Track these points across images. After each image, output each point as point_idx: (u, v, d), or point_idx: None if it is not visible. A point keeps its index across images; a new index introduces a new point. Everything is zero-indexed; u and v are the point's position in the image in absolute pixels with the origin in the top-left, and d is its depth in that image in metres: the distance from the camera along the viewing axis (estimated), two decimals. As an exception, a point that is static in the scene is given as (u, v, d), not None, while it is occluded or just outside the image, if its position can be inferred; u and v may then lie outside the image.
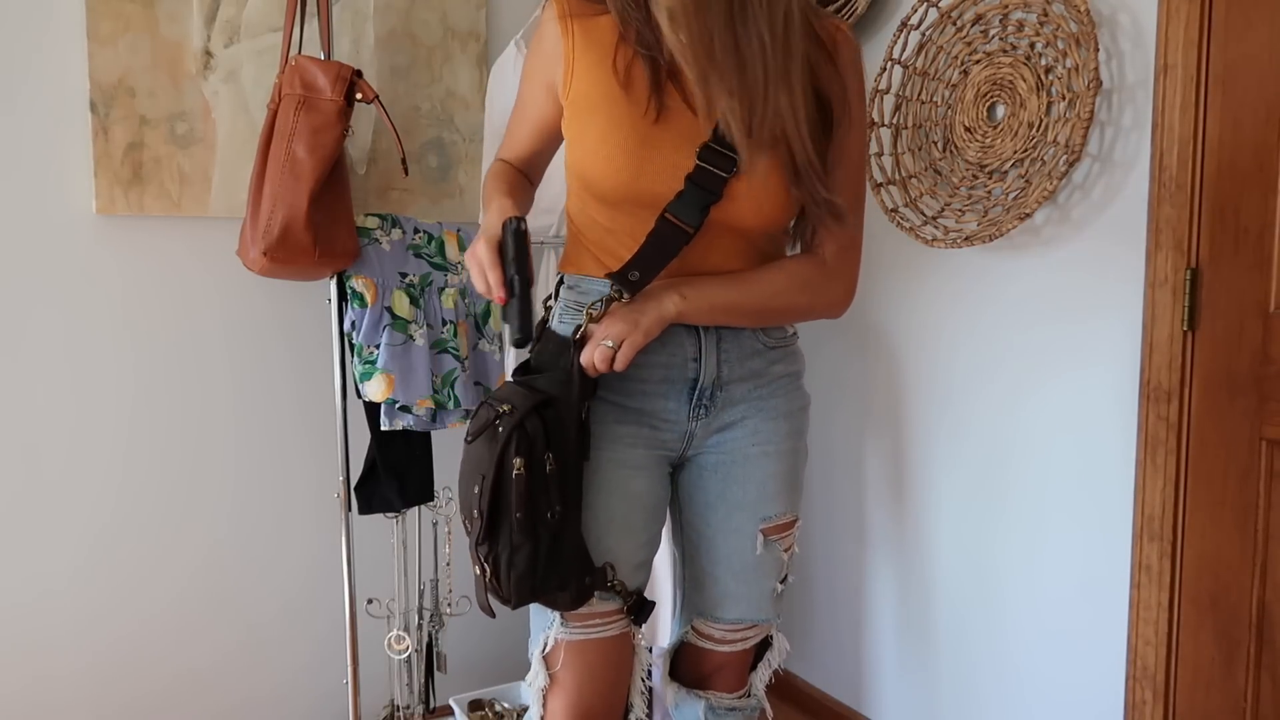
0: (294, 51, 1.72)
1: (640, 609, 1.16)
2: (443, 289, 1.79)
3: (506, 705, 2.05)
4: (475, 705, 2.03)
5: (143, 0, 1.72)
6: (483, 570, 1.05)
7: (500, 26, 2.09)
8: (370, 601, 1.96)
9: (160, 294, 1.81)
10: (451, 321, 1.78)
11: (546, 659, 1.14)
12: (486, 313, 1.87)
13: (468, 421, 1.81)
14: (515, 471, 0.99)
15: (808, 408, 1.27)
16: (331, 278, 1.71)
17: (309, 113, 1.58)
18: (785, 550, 1.23)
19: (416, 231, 1.79)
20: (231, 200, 1.82)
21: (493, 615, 1.13)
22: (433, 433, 1.86)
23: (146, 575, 1.84)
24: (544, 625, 1.14)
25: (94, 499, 1.78)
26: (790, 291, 1.19)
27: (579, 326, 1.08)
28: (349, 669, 1.79)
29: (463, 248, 1.84)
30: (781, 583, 1.24)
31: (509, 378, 1.98)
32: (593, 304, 1.08)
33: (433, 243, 1.80)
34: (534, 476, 1.01)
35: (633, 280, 1.08)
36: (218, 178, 1.82)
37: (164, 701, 1.87)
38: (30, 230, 1.69)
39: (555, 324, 1.18)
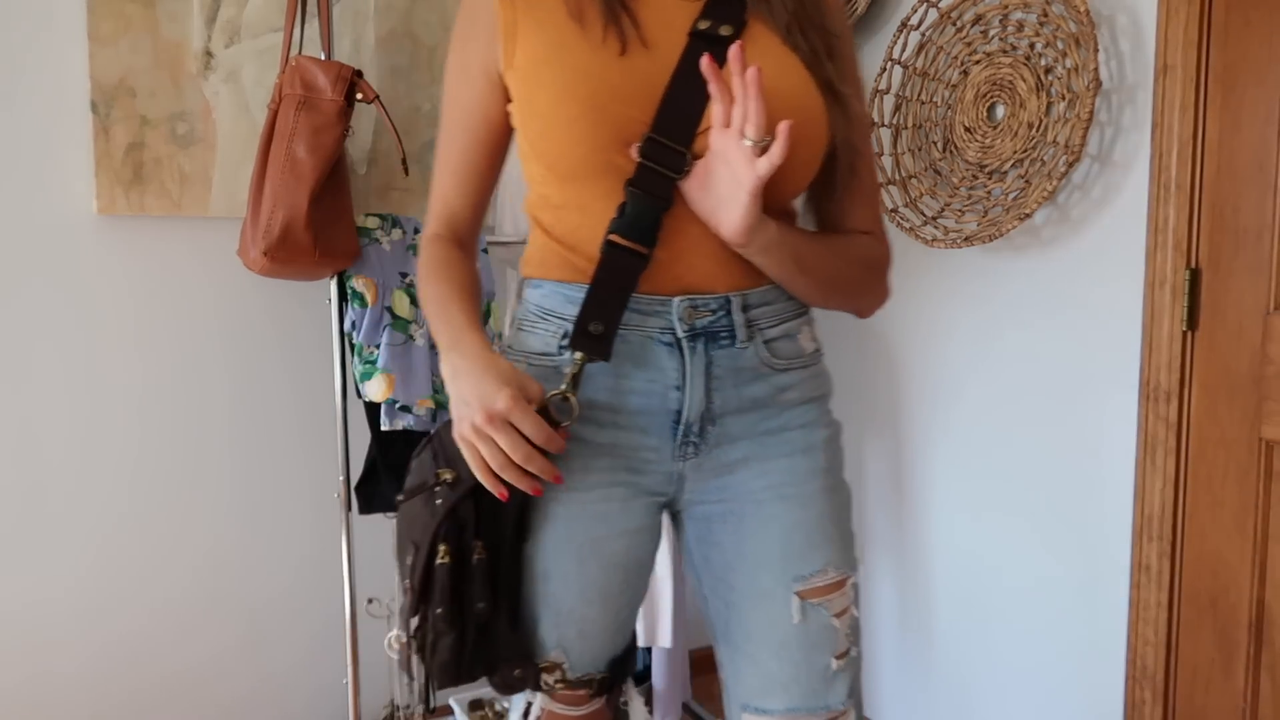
0: (294, 52, 1.72)
1: (613, 681, 0.99)
2: (443, 289, 1.79)
3: (506, 705, 2.05)
4: (475, 705, 2.03)
5: (143, 0, 1.72)
6: (408, 643, 0.93)
7: (500, 27, 2.09)
8: (370, 601, 1.96)
9: (161, 294, 1.81)
10: (452, 321, 1.78)
11: None
12: (486, 313, 1.87)
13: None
14: (439, 560, 0.87)
15: (837, 438, 1.03)
16: (332, 278, 1.71)
17: (309, 113, 1.58)
18: (837, 615, 0.97)
19: (417, 231, 1.79)
20: (232, 200, 1.82)
21: (412, 678, 1.02)
22: (433, 433, 1.86)
23: (147, 574, 1.84)
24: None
25: (94, 498, 1.78)
26: (856, 264, 1.00)
27: (551, 396, 0.87)
28: (349, 669, 1.79)
29: (463, 248, 1.84)
30: (839, 658, 0.97)
31: None
32: (562, 389, 0.88)
33: (433, 243, 1.80)
34: (461, 566, 0.88)
35: (596, 334, 0.89)
36: (218, 178, 1.82)
37: (164, 700, 1.87)
38: (30, 230, 1.69)
39: (518, 334, 0.99)
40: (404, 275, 1.74)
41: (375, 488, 1.80)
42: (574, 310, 0.93)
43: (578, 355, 0.89)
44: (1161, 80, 1.43)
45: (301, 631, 1.99)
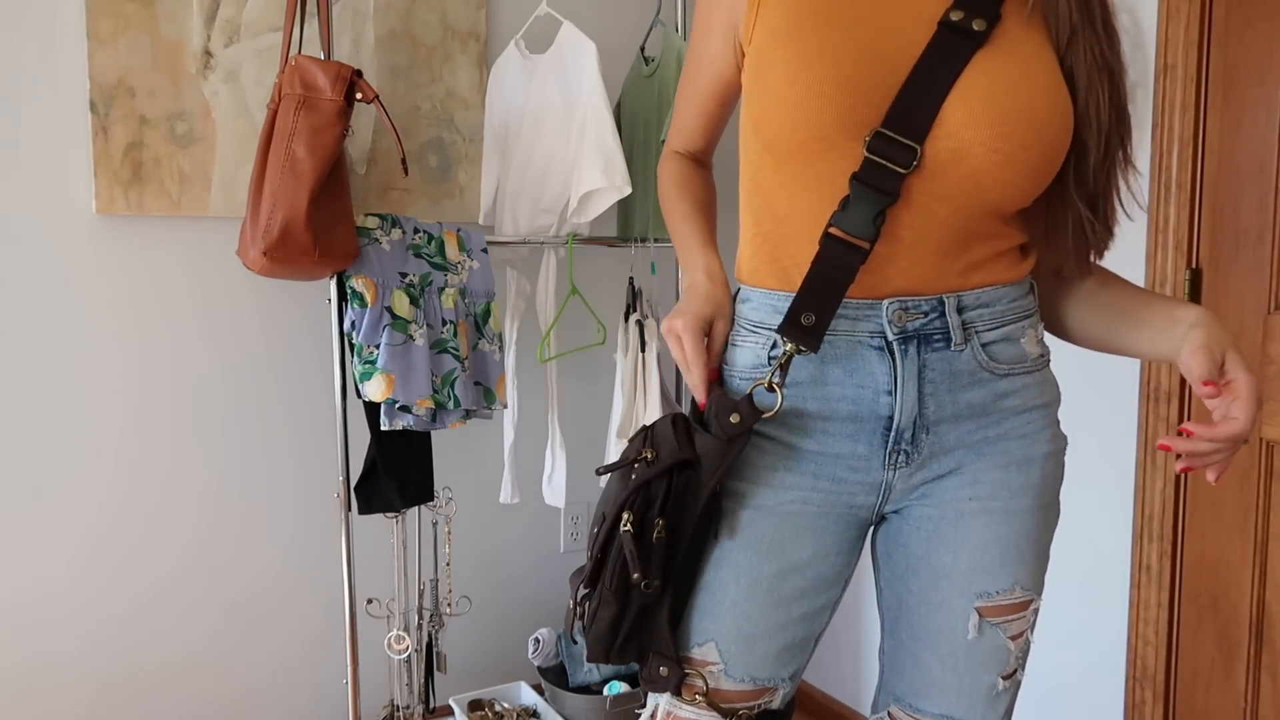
0: (294, 51, 1.72)
1: None
2: (443, 289, 1.79)
3: (506, 705, 2.05)
4: (475, 705, 2.03)
5: (142, 0, 1.72)
6: (574, 610, 0.93)
7: (500, 26, 2.09)
8: (370, 601, 1.96)
9: (160, 293, 1.81)
10: (451, 321, 1.78)
11: None
12: (487, 312, 1.87)
13: (468, 421, 1.81)
14: (623, 527, 0.87)
15: (1060, 454, 0.99)
16: (331, 277, 1.71)
17: (309, 112, 1.57)
18: (1013, 639, 0.96)
19: (416, 231, 1.79)
20: (231, 200, 1.82)
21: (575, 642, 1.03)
22: (433, 433, 1.86)
23: (146, 574, 1.84)
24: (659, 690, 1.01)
25: (92, 499, 1.78)
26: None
27: (753, 387, 0.87)
28: (349, 669, 1.79)
29: (462, 247, 1.84)
30: (1005, 679, 0.96)
31: (509, 377, 1.97)
32: (769, 375, 0.87)
33: (433, 243, 1.80)
34: (639, 540, 0.87)
35: (807, 326, 0.86)
36: (218, 177, 1.82)
37: (165, 700, 1.87)
38: (30, 230, 1.69)
39: (730, 350, 0.97)
40: (403, 275, 1.74)
41: (375, 488, 1.80)
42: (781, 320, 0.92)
43: (788, 345, 0.87)
44: (1162, 80, 1.42)
45: (301, 631, 1.99)
